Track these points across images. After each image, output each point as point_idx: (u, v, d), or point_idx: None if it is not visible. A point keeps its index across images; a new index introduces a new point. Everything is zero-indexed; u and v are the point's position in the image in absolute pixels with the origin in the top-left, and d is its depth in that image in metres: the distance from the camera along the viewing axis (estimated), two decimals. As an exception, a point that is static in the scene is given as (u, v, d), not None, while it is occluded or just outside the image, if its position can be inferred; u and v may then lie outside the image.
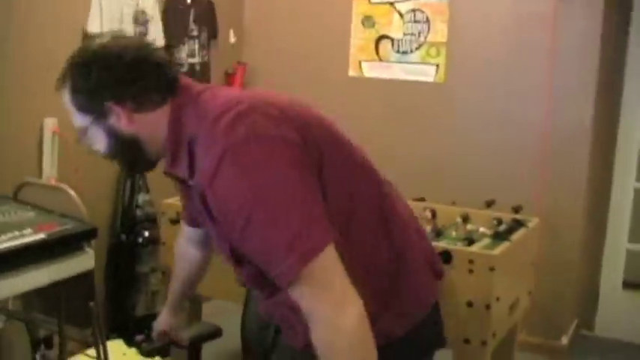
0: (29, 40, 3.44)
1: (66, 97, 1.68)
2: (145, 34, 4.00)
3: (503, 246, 2.93)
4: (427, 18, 4.51)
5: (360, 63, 4.72)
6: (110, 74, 1.64)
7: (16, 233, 2.62)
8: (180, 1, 4.33)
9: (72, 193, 3.03)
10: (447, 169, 4.48)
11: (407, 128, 4.61)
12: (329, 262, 1.51)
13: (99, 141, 1.70)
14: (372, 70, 4.70)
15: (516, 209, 3.69)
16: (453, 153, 4.48)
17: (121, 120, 1.66)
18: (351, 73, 4.75)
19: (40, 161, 3.45)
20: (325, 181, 1.63)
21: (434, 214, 3.63)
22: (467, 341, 2.78)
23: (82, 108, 1.67)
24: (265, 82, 4.95)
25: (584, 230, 4.34)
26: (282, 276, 1.51)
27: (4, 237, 2.57)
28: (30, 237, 2.63)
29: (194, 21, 4.43)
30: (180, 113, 1.68)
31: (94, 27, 3.70)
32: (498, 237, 3.06)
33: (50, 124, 3.44)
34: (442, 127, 4.53)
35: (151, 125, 1.69)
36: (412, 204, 3.73)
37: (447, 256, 2.79)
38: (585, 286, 4.63)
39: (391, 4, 4.60)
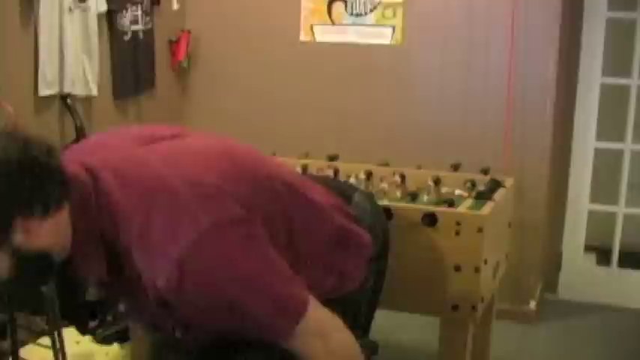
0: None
1: None
2: (85, -2, 3.72)
3: (489, 206, 2.78)
4: (382, -23, 4.34)
5: (311, 27, 4.52)
6: (9, 184, 1.41)
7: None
8: (121, -36, 4.05)
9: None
10: (409, 134, 4.32)
11: (364, 93, 4.43)
12: (314, 310, 1.59)
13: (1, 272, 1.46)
14: (324, 34, 4.51)
15: (485, 171, 3.56)
16: (415, 117, 4.33)
17: (32, 237, 1.44)
18: (303, 37, 4.55)
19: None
20: (297, 244, 1.69)
21: (403, 178, 3.46)
22: (455, 307, 2.62)
23: None
24: (211, 50, 4.72)
25: (548, 191, 4.25)
26: (279, 339, 1.58)
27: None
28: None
29: (137, -15, 4.16)
30: (84, 212, 1.51)
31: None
32: (481, 197, 2.91)
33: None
34: (401, 91, 4.37)
35: (55, 233, 1.49)
36: (377, 169, 3.62)
37: (431, 219, 2.63)
38: (548, 248, 4.55)
39: (343, -37, 4.41)
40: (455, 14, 4.21)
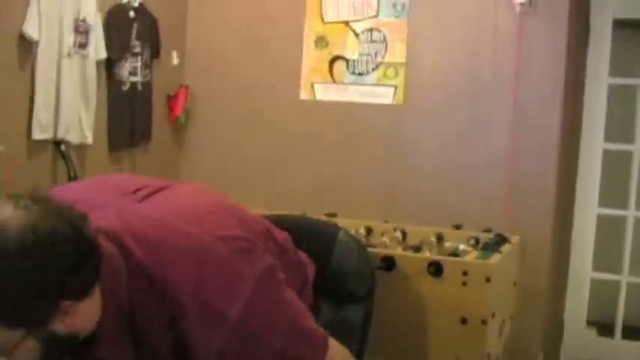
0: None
1: None
2: (85, 44, 3.67)
3: (496, 257, 2.68)
4: (384, 37, 4.31)
5: (312, 85, 4.47)
6: (54, 270, 1.25)
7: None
8: (122, 15, 4.02)
9: None
10: (409, 193, 4.22)
11: (364, 152, 4.36)
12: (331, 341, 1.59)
13: (29, 355, 1.29)
14: (325, 93, 4.46)
15: (487, 231, 3.48)
16: (415, 176, 4.23)
17: (71, 319, 1.31)
18: (303, 95, 4.50)
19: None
20: None
21: (404, 234, 3.38)
22: (460, 363, 2.50)
23: (12, 322, 1.24)
24: (209, 107, 4.66)
25: (550, 257, 4.13)
26: None
27: None
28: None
29: (137, 37, 4.12)
30: (115, 284, 1.38)
31: (32, 31, 3.35)
32: (487, 249, 2.81)
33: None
34: (402, 150, 4.30)
35: (91, 315, 1.36)
36: (378, 225, 3.52)
37: (437, 268, 2.52)
38: (550, 316, 4.41)
39: (346, 23, 4.39)
40: (458, 74, 4.17)
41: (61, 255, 1.24)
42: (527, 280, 3.91)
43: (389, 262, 2.51)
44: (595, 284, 4.53)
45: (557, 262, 4.35)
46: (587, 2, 4.32)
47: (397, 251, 2.94)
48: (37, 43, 3.39)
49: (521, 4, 3.93)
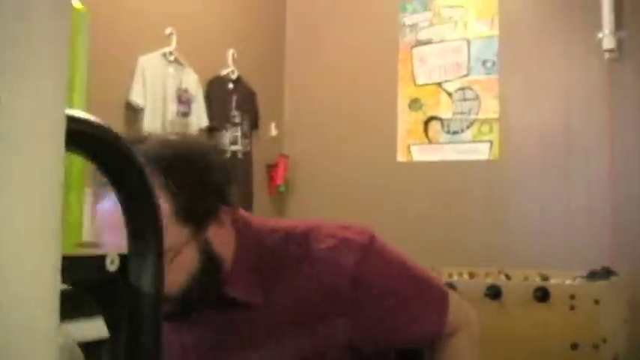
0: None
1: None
2: (187, 113, 3.85)
3: (604, 282, 2.61)
4: (477, 95, 4.36)
5: (408, 147, 4.53)
6: (219, 173, 1.37)
7: None
8: (222, 86, 4.21)
9: None
10: (510, 247, 4.15)
11: (463, 210, 4.34)
12: (455, 301, 1.55)
13: (184, 267, 1.30)
14: (422, 154, 4.50)
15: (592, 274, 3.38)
16: (515, 230, 4.18)
17: (221, 231, 1.35)
18: (400, 158, 4.55)
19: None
20: None
21: (508, 276, 3.32)
22: (574, 391, 2.41)
23: (185, 217, 1.29)
24: (309, 175, 4.75)
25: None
26: (434, 333, 1.50)
27: None
28: None
29: (236, 108, 4.29)
30: (247, 229, 1.43)
31: (137, 98, 3.55)
32: (594, 277, 2.74)
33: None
34: (500, 206, 4.26)
35: (229, 243, 1.39)
36: (482, 270, 3.48)
37: (543, 293, 2.47)
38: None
39: (438, 84, 4.47)
40: (551, 125, 4.15)
41: (223, 162, 1.41)
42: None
43: (494, 291, 2.48)
44: None
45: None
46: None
47: (498, 278, 2.90)
48: (142, 110, 3.58)
49: (610, 50, 3.92)
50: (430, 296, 1.52)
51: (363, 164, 4.62)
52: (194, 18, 4.06)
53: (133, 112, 3.58)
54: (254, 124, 4.50)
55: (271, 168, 4.69)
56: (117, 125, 3.46)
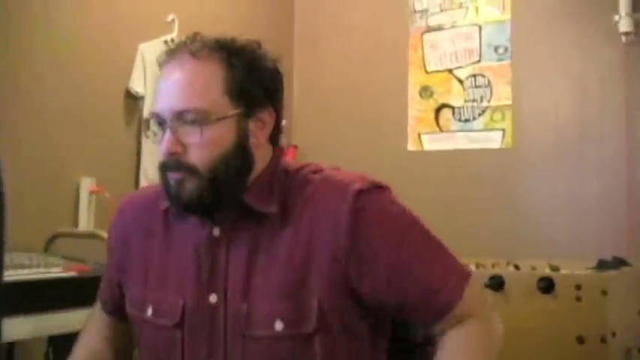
0: (68, 97, 3.22)
1: (212, 68, 1.35)
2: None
3: (613, 272, 2.49)
4: (489, 82, 4.23)
5: (419, 136, 4.42)
6: (275, 76, 1.44)
7: (42, 270, 2.29)
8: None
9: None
10: (521, 240, 4.02)
11: (474, 199, 4.22)
12: (477, 285, 1.47)
13: (218, 141, 1.34)
14: (432, 142, 4.39)
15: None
16: (526, 218, 4.05)
17: (259, 132, 1.40)
18: (410, 147, 4.44)
19: (76, 220, 3.14)
20: None
21: (517, 267, 3.21)
22: (580, 386, 2.30)
23: (235, 93, 1.35)
24: (318, 165, 4.65)
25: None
26: (448, 299, 1.37)
27: (28, 270, 2.23)
28: (58, 274, 2.29)
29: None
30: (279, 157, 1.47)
31: (138, 87, 3.48)
32: (603, 266, 2.62)
33: (87, 183, 3.17)
34: (512, 195, 4.14)
35: (263, 155, 1.43)
36: (488, 260, 3.36)
37: (548, 284, 2.36)
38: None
39: (449, 71, 4.35)
40: (565, 111, 4.02)
41: (281, 77, 1.45)
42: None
43: (497, 281, 2.37)
44: None
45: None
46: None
47: (505, 270, 2.79)
48: (142, 98, 3.50)
49: (626, 33, 3.77)
50: (449, 260, 1.43)
51: (373, 154, 4.51)
52: (196, 4, 3.97)
53: (133, 101, 3.51)
54: (261, 114, 4.41)
55: (280, 158, 4.60)
56: (116, 113, 3.43)
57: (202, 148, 1.32)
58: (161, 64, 1.39)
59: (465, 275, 1.41)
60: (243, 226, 1.39)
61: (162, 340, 1.44)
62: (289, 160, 1.52)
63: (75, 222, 3.14)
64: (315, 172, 1.44)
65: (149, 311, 1.46)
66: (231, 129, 1.34)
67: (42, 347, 2.63)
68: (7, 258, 2.32)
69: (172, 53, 1.38)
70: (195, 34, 1.41)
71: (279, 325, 1.33)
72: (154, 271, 1.48)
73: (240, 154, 1.36)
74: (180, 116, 1.32)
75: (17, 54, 3.04)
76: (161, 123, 1.35)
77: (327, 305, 1.33)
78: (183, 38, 1.42)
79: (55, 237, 2.86)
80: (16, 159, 2.98)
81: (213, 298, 1.39)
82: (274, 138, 1.45)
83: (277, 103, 1.43)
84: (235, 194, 1.37)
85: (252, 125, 1.37)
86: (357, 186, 1.38)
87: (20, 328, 2.12)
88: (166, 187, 1.37)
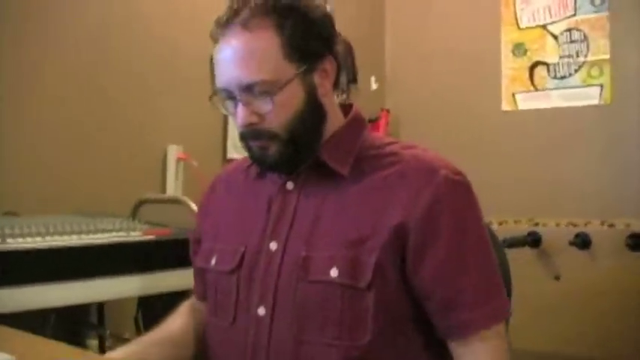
0: (157, 64, 3.30)
1: (266, 36, 1.35)
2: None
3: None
4: (585, 36, 4.07)
5: (513, 95, 4.30)
6: (327, 23, 1.44)
7: (122, 234, 2.36)
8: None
9: (193, 206, 2.74)
10: (624, 193, 3.86)
11: (573, 158, 4.08)
12: (503, 330, 1.39)
13: (289, 103, 1.37)
14: (527, 102, 4.26)
15: None
16: (629, 176, 3.88)
17: (325, 82, 1.42)
18: (505, 107, 4.33)
19: (164, 187, 3.23)
20: None
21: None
22: None
23: (294, 54, 1.36)
24: (412, 129, 4.61)
25: None
26: (473, 322, 1.34)
27: (108, 234, 2.31)
28: (137, 237, 2.36)
29: (331, 62, 4.19)
30: (359, 117, 1.53)
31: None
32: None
33: (174, 150, 3.24)
34: (614, 154, 3.97)
35: (332, 104, 1.47)
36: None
37: (636, 241, 2.27)
38: None
39: (543, 26, 4.20)
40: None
41: (330, 17, 1.44)
42: None
43: (581, 239, 2.30)
44: None
45: None
46: None
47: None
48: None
49: None
50: (497, 286, 1.40)
51: (466, 115, 4.43)
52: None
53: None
54: (351, 78, 4.38)
55: (372, 123, 4.58)
56: (204, 81, 3.46)
57: (277, 114, 1.36)
58: (215, 38, 1.40)
59: (503, 311, 1.40)
60: (315, 181, 1.44)
61: (220, 287, 1.49)
62: (379, 134, 1.57)
63: (162, 189, 3.23)
64: (406, 148, 1.46)
65: (213, 260, 1.52)
66: (299, 88, 1.37)
67: (131, 313, 2.72)
68: (91, 223, 2.43)
69: (224, 26, 1.38)
70: (243, 1, 1.40)
71: (334, 272, 1.35)
72: (226, 225, 1.54)
73: (313, 108, 1.40)
74: (248, 89, 1.35)
75: (106, 15, 3.12)
76: (230, 96, 1.40)
77: (382, 267, 1.34)
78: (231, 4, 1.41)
79: (141, 203, 2.93)
80: (105, 127, 3.09)
81: (273, 245, 1.43)
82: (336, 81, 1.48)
83: (334, 47, 1.44)
84: (314, 147, 1.43)
85: (317, 78, 1.40)
86: (444, 172, 1.38)
87: (100, 289, 2.20)
88: (250, 152, 1.44)
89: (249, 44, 1.35)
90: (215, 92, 1.43)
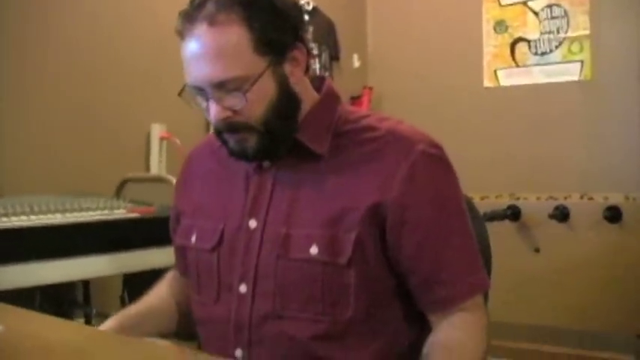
0: (141, 46, 3.31)
1: (234, 32, 1.31)
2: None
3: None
4: (565, 12, 4.10)
5: (495, 72, 4.33)
6: (294, 10, 1.41)
7: (106, 212, 2.38)
8: (297, 18, 4.12)
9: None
10: (604, 169, 3.90)
11: (554, 134, 4.11)
12: (482, 302, 1.43)
13: (262, 96, 1.35)
14: (509, 78, 4.30)
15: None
16: (609, 152, 3.93)
17: (296, 70, 1.39)
18: (487, 83, 4.36)
19: (148, 166, 3.24)
20: None
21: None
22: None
23: (263, 47, 1.33)
24: (395, 106, 4.62)
25: None
26: (455, 296, 1.38)
27: (92, 213, 2.33)
28: (121, 215, 2.38)
29: (313, 40, 4.20)
30: (332, 93, 1.49)
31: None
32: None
33: (158, 129, 3.25)
34: (593, 130, 4.02)
35: (305, 89, 1.45)
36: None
37: (614, 213, 2.30)
38: None
39: (524, 3, 4.23)
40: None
41: (296, 3, 1.43)
42: None
43: (562, 212, 2.33)
44: None
45: None
46: None
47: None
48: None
49: None
50: (476, 259, 1.41)
51: (448, 92, 4.46)
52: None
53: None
54: (334, 56, 4.41)
55: (355, 100, 4.60)
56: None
57: (250, 108, 1.34)
58: (181, 33, 1.36)
59: (483, 284, 1.42)
60: (294, 159, 1.43)
61: (202, 264, 1.50)
62: (352, 107, 1.55)
63: (146, 168, 3.24)
64: (381, 120, 1.45)
65: (193, 238, 1.52)
66: (270, 80, 1.35)
67: (117, 291, 2.74)
68: (76, 202, 2.44)
69: (189, 21, 1.34)
70: None
71: (314, 250, 1.36)
72: (204, 202, 1.54)
73: (287, 97, 1.38)
74: (219, 86, 1.33)
75: (97, 5, 3.13)
76: (201, 93, 1.37)
77: (362, 243, 1.35)
78: None
79: (125, 182, 2.95)
80: (88, 106, 3.10)
81: (252, 223, 1.43)
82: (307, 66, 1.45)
83: (303, 34, 1.41)
84: (290, 134, 1.41)
85: (287, 67, 1.38)
86: (421, 146, 1.38)
87: (85, 267, 2.22)
88: (227, 146, 1.42)
89: (218, 41, 1.31)
90: (184, 88, 1.41)
